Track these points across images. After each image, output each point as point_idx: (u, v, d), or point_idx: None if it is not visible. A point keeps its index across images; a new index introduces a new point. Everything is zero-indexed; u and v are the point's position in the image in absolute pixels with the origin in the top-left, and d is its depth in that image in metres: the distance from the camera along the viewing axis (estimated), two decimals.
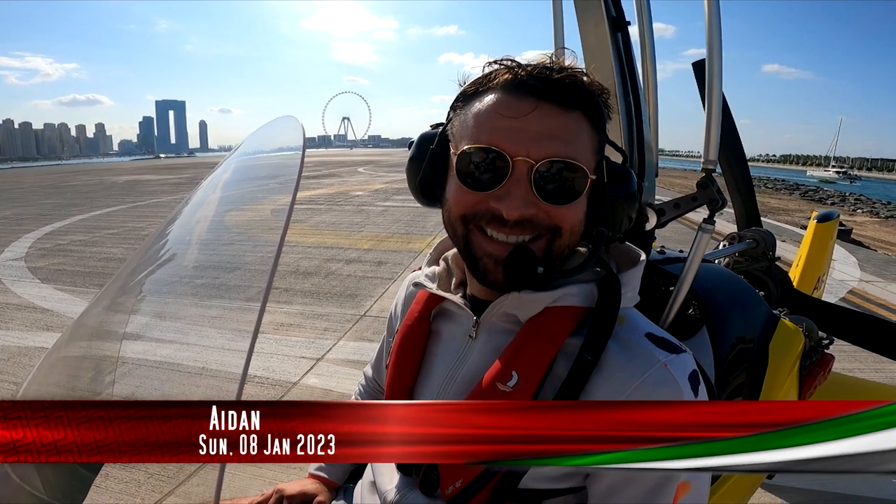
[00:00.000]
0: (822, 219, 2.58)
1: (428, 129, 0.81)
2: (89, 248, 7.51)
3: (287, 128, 0.77)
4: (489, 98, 0.71)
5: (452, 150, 0.74)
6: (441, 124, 0.79)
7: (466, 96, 0.75)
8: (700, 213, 1.04)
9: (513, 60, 0.72)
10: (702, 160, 0.98)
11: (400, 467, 0.84)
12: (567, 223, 0.71)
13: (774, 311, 1.26)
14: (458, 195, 0.73)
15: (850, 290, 5.63)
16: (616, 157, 0.80)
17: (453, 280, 0.87)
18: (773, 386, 1.14)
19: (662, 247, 1.30)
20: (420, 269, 0.94)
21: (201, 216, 0.94)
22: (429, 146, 0.78)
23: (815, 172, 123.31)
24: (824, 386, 1.39)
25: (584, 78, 0.71)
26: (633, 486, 0.68)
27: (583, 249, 0.81)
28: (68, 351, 0.91)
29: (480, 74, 0.74)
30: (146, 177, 25.37)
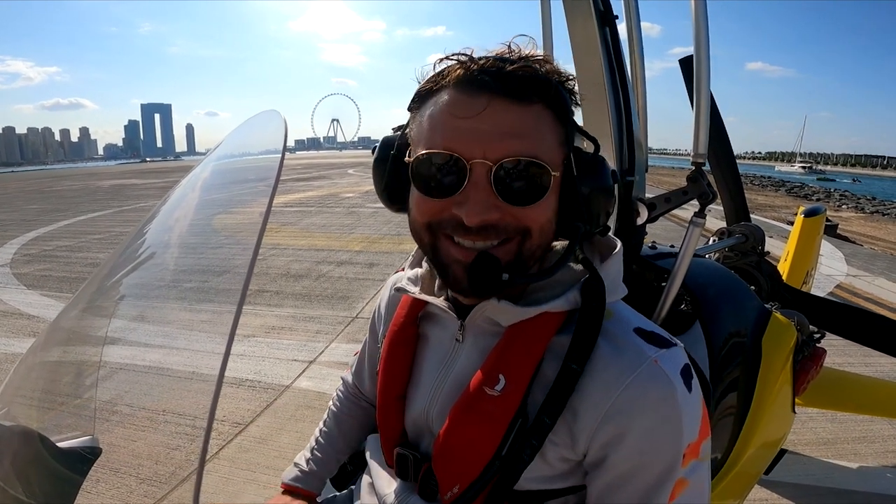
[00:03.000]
0: (809, 213, 2.61)
1: (390, 132, 0.78)
2: (75, 254, 7.41)
3: (270, 122, 0.75)
4: (442, 97, 0.67)
5: (407, 157, 0.71)
6: (402, 127, 0.76)
7: (422, 96, 0.70)
8: (688, 210, 1.04)
9: (465, 54, 0.67)
10: (691, 155, 0.98)
11: (397, 472, 0.82)
12: (536, 224, 0.67)
13: (766, 306, 1.26)
14: (420, 204, 0.70)
15: (837, 285, 5.68)
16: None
17: (437, 282, 0.83)
18: (768, 380, 1.14)
19: (654, 242, 1.30)
20: (403, 269, 0.92)
21: (180, 216, 0.92)
22: (390, 151, 0.75)
23: (783, 167, 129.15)
24: (817, 380, 1.40)
25: (546, 66, 0.67)
26: (630, 483, 0.66)
27: (559, 245, 0.78)
28: (46, 355, 0.89)
29: (435, 72, 0.69)
30: (132, 181, 25.11)
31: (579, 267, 0.74)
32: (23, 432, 0.73)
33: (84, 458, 0.80)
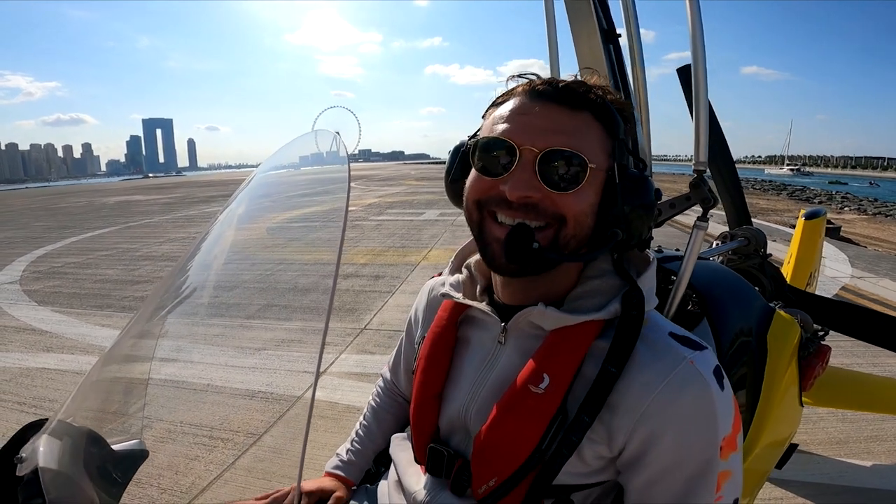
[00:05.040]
0: (810, 216, 2.65)
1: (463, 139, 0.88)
2: (84, 270, 7.47)
3: (322, 141, 0.81)
4: (509, 103, 0.78)
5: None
6: (475, 133, 0.86)
7: (495, 104, 0.82)
8: (689, 216, 1.09)
9: (534, 74, 0.80)
10: (692, 163, 1.04)
11: (428, 468, 0.86)
12: (570, 211, 0.74)
13: (770, 304, 1.31)
14: (474, 182, 0.79)
15: (842, 287, 5.69)
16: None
17: (477, 287, 0.90)
18: (775, 376, 1.17)
19: (660, 246, 1.35)
20: (440, 274, 0.98)
21: (231, 238, 0.98)
22: (459, 150, 0.86)
23: (772, 170, 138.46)
24: (823, 378, 1.43)
25: (600, 89, 0.78)
26: (672, 476, 0.70)
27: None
28: (103, 374, 0.94)
29: (508, 88, 0.82)
30: (136, 197, 25.28)
31: (618, 280, 0.80)
32: (85, 432, 0.79)
33: (133, 460, 0.86)
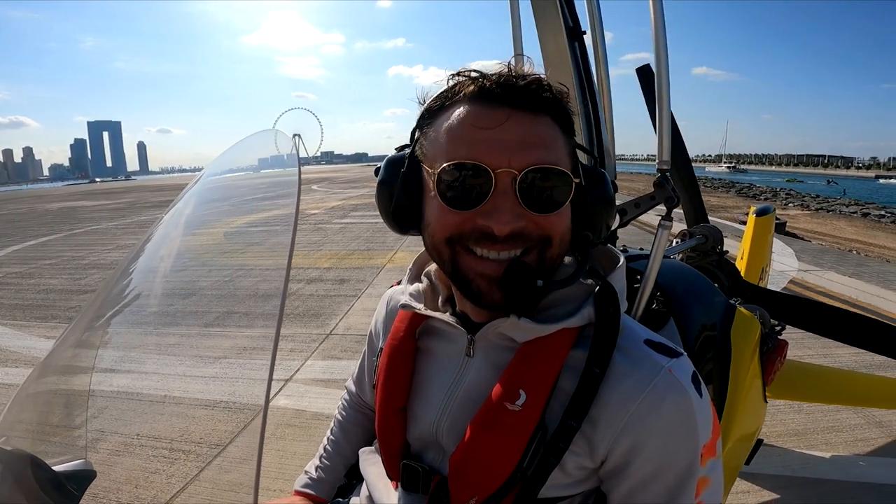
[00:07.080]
0: (760, 213, 2.76)
1: (394, 152, 0.77)
2: (26, 280, 7.07)
3: (267, 141, 0.76)
4: (458, 111, 0.67)
5: (427, 171, 0.70)
6: (408, 145, 0.75)
7: (432, 112, 0.71)
8: (649, 215, 1.09)
9: (475, 71, 0.69)
10: (656, 162, 1.05)
11: (404, 484, 0.81)
12: (557, 231, 0.68)
13: (731, 301, 1.33)
14: (441, 217, 0.68)
15: (790, 280, 5.94)
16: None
17: (440, 297, 0.84)
18: (739, 372, 1.18)
19: (625, 246, 1.36)
20: (399, 283, 0.92)
21: (174, 241, 0.91)
22: (399, 169, 0.73)
23: (712, 168, 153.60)
24: (782, 372, 1.46)
25: (550, 83, 0.69)
26: (653, 486, 0.68)
27: (568, 259, 0.79)
28: (38, 387, 0.87)
29: (443, 89, 0.70)
30: (82, 203, 24.14)
31: (589, 281, 0.76)
32: (20, 455, 0.73)
33: (79, 481, 0.79)
